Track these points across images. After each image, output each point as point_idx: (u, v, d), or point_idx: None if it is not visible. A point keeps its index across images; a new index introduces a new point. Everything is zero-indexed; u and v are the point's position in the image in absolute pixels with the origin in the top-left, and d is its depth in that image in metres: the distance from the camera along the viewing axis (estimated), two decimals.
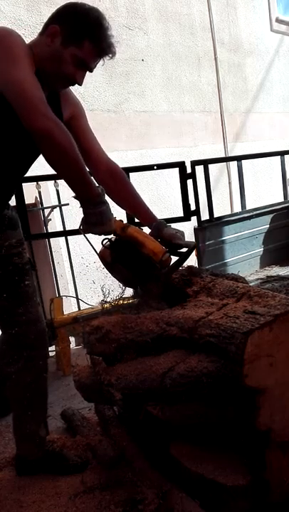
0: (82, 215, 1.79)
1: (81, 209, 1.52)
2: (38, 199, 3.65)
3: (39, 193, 3.57)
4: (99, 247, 1.66)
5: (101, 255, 1.65)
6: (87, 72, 1.57)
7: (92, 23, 1.46)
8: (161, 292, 1.66)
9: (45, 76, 1.49)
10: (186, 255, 1.70)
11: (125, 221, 1.79)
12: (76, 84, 1.55)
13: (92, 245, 1.63)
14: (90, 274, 3.68)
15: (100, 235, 1.58)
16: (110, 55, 1.53)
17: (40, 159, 1.71)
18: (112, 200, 1.78)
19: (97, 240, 1.64)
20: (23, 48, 1.40)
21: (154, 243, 1.62)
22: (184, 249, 1.70)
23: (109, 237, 1.61)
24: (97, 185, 1.51)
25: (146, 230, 1.76)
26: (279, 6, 6.86)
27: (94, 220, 1.49)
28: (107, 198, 1.57)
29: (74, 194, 1.50)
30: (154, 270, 1.60)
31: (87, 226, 1.52)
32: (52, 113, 1.35)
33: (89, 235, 1.58)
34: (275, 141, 6.59)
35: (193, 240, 3.12)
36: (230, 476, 1.32)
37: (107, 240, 1.62)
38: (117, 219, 1.60)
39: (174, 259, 1.70)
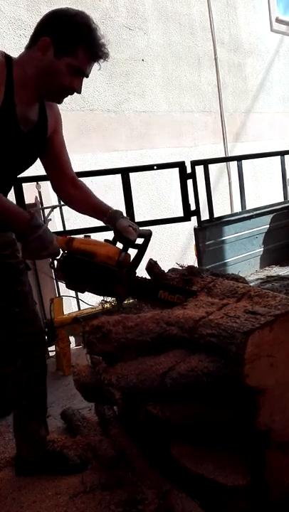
0: (82, 215, 1.81)
1: None
2: (38, 199, 3.66)
3: (39, 193, 3.57)
4: None
5: (58, 279, 1.59)
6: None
7: (83, 30, 1.42)
8: (128, 293, 1.60)
9: (40, 90, 1.48)
10: (144, 246, 1.62)
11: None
12: (76, 93, 1.54)
13: (49, 275, 1.58)
14: None
15: (46, 258, 1.53)
16: (104, 57, 1.50)
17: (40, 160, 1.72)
18: (72, 209, 1.77)
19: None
20: None
21: (105, 247, 1.55)
22: (141, 241, 1.62)
23: (59, 256, 1.53)
24: (27, 211, 1.47)
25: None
26: (279, 6, 6.87)
27: (34, 247, 1.44)
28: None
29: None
30: (115, 273, 1.54)
31: (30, 254, 1.48)
32: None
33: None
34: (275, 141, 6.59)
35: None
36: (230, 476, 1.32)
37: (55, 261, 1.54)
38: (59, 236, 1.53)
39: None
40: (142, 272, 1.73)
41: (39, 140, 1.61)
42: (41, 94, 1.52)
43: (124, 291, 1.58)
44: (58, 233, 1.65)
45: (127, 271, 1.56)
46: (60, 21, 1.42)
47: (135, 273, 1.61)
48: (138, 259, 1.59)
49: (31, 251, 1.47)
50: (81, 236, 1.59)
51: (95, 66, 1.52)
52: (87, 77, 1.52)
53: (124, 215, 1.68)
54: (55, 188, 1.80)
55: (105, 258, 1.53)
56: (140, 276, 1.65)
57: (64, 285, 1.61)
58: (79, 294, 3.62)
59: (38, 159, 1.70)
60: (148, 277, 1.72)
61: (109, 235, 1.66)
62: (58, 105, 1.65)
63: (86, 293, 1.66)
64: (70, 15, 1.43)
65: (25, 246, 1.46)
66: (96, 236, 1.66)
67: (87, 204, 1.76)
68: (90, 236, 1.59)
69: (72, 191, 1.75)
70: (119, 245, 1.61)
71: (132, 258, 1.58)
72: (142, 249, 1.61)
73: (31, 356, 1.70)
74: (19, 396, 1.73)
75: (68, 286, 1.63)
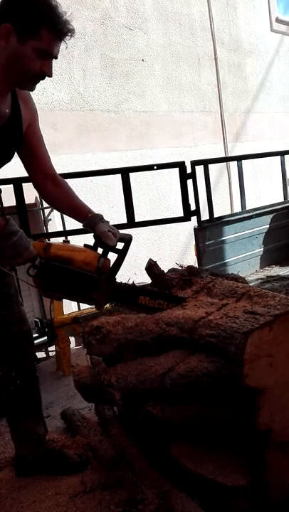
0: None
1: None
2: (38, 199, 3.66)
3: None
4: None
5: (35, 286, 1.54)
6: (83, 72, 1.53)
7: (43, 9, 1.35)
8: (111, 298, 1.56)
9: (9, 80, 1.42)
10: (124, 251, 1.57)
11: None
12: (47, 76, 1.46)
13: (18, 278, 1.52)
14: None
15: (22, 265, 1.49)
16: (70, 34, 1.41)
17: None
18: (49, 205, 1.71)
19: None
20: None
21: (84, 253, 1.51)
22: (121, 246, 1.58)
23: (36, 262, 1.48)
24: (2, 216, 1.43)
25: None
26: (279, 6, 6.87)
27: (9, 254, 1.40)
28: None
29: None
30: (94, 280, 1.50)
31: (5, 261, 1.44)
32: None
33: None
34: (275, 141, 6.59)
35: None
36: (230, 476, 1.32)
37: (32, 268, 1.49)
38: (36, 241, 1.49)
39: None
40: (141, 272, 1.73)
41: (13, 135, 1.55)
42: (11, 84, 1.46)
43: (103, 298, 1.55)
44: (36, 236, 1.62)
45: (106, 277, 1.53)
46: (18, 4, 1.35)
47: (115, 279, 1.57)
48: (118, 265, 1.56)
49: (6, 257, 1.43)
50: (60, 240, 1.55)
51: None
52: (56, 58, 1.44)
53: (105, 218, 1.63)
54: (34, 185, 1.74)
55: (83, 264, 1.50)
56: (121, 281, 1.62)
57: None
58: None
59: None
60: (129, 283, 1.68)
61: None
62: (59, 105, 1.64)
63: None
64: None
65: (1, 253, 1.42)
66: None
67: (68, 205, 1.71)
68: (68, 241, 1.56)
69: (52, 189, 1.69)
70: (100, 250, 1.57)
71: (112, 263, 1.55)
72: (122, 254, 1.57)
73: (20, 357, 1.70)
74: (11, 397, 1.73)
75: (44, 294, 1.59)
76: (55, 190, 1.69)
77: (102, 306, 1.58)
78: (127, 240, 1.59)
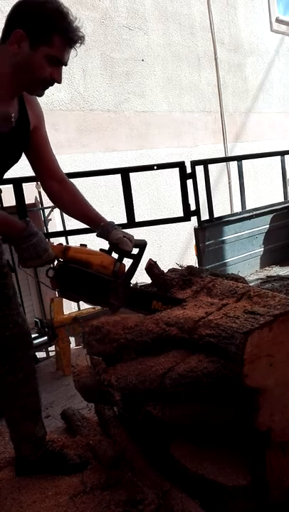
0: None
1: None
2: (38, 199, 3.66)
3: (39, 193, 3.57)
4: None
5: (51, 287, 1.57)
6: (83, 72, 1.54)
7: (55, 16, 1.37)
8: (125, 302, 1.59)
9: (19, 85, 1.45)
10: (139, 256, 1.62)
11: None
12: (56, 83, 1.48)
13: (39, 281, 1.55)
14: None
15: (41, 266, 1.53)
16: (80, 41, 1.43)
17: None
18: (59, 209, 1.74)
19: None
20: None
21: (101, 257, 1.55)
22: (136, 250, 1.62)
23: (54, 264, 1.52)
24: (21, 220, 1.46)
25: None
26: (279, 6, 6.87)
27: (28, 255, 1.44)
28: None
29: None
30: (110, 284, 1.53)
31: (25, 262, 1.47)
32: None
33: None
34: (275, 141, 6.60)
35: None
36: (230, 476, 1.32)
37: (50, 269, 1.53)
38: (56, 244, 1.53)
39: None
40: (141, 272, 1.73)
41: (21, 137, 1.57)
42: (21, 89, 1.48)
43: (118, 301, 1.58)
44: (53, 234, 1.63)
45: (122, 281, 1.56)
46: (31, 11, 1.37)
47: (130, 283, 1.60)
48: (133, 269, 1.60)
49: (26, 259, 1.46)
50: (77, 244, 1.58)
51: (72, 53, 1.47)
52: (65, 65, 1.46)
53: (105, 218, 1.67)
54: (43, 189, 1.76)
55: (100, 267, 1.53)
56: (134, 285, 1.66)
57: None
58: None
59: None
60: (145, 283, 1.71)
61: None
62: (59, 105, 1.64)
63: None
64: (40, 3, 1.38)
65: (21, 254, 1.46)
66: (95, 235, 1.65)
67: (77, 209, 1.73)
68: (86, 245, 1.58)
69: (60, 192, 1.71)
70: (114, 255, 1.61)
71: (126, 268, 1.59)
72: (137, 259, 1.61)
73: (18, 358, 1.70)
74: (10, 398, 1.73)
75: (63, 295, 1.62)
76: (62, 191, 1.72)
77: (117, 309, 1.59)
78: (142, 246, 1.63)
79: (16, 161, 1.63)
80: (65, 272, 1.52)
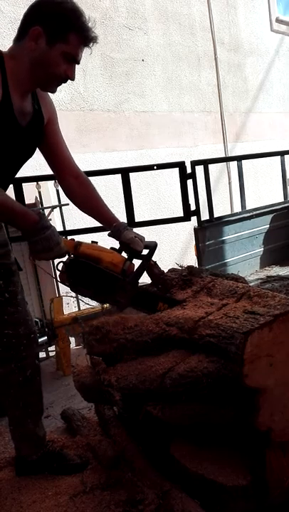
0: (82, 215, 1.80)
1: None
2: (38, 199, 3.65)
3: (39, 193, 3.57)
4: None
5: (61, 281, 1.60)
6: (83, 72, 1.57)
7: (72, 15, 1.43)
8: (131, 301, 1.61)
9: (35, 80, 1.48)
10: (149, 257, 1.65)
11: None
12: (69, 80, 1.54)
13: (50, 274, 1.57)
14: None
15: (52, 259, 1.55)
16: (94, 41, 1.50)
17: (40, 160, 1.73)
18: (74, 204, 1.77)
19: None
20: None
21: (111, 254, 1.57)
22: (146, 251, 1.65)
23: (64, 259, 1.55)
24: (34, 211, 1.49)
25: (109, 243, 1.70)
26: (279, 6, 6.87)
27: (41, 248, 1.46)
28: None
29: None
30: (118, 281, 1.54)
31: (36, 254, 1.49)
32: None
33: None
34: (275, 141, 6.59)
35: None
36: (230, 476, 1.32)
37: (61, 263, 1.56)
38: (68, 238, 1.55)
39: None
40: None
41: (36, 131, 1.61)
42: (35, 85, 1.52)
43: (125, 300, 1.59)
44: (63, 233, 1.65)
45: (130, 280, 1.57)
46: (49, 9, 1.43)
47: (138, 283, 1.62)
48: (142, 269, 1.62)
49: (38, 251, 1.48)
50: (88, 241, 1.60)
51: (87, 51, 1.52)
52: (78, 63, 1.52)
53: (126, 221, 1.73)
54: (60, 185, 1.79)
55: (110, 265, 1.54)
56: (141, 284, 1.66)
57: (64, 286, 1.61)
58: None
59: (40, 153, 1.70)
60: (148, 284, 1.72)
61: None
62: (59, 105, 1.65)
63: None
64: (57, 2, 1.44)
65: (33, 246, 1.47)
66: (95, 235, 1.66)
67: (91, 207, 1.77)
68: (97, 242, 1.61)
69: (75, 187, 1.74)
70: (125, 254, 1.63)
71: (135, 268, 1.60)
72: (146, 259, 1.64)
73: (24, 357, 1.70)
74: (14, 397, 1.73)
75: (72, 289, 1.64)
76: (78, 188, 1.75)
77: (124, 308, 1.60)
78: (152, 247, 1.66)
79: (30, 156, 1.66)
80: (76, 267, 1.54)
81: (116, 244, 1.67)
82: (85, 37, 1.46)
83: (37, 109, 1.59)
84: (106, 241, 1.73)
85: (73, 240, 1.58)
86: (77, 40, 1.45)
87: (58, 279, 1.60)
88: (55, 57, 1.44)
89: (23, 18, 1.46)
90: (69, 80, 1.54)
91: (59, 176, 1.76)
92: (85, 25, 1.45)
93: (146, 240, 1.68)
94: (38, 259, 1.53)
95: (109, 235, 1.70)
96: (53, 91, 1.57)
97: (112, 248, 1.63)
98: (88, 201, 1.76)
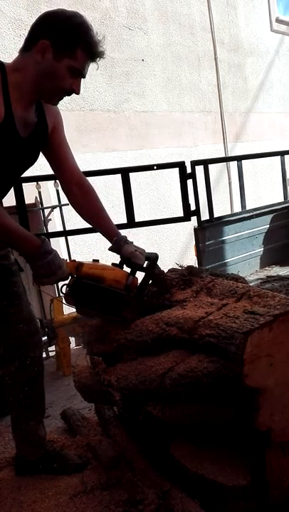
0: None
1: None
2: (38, 199, 3.66)
3: (39, 193, 3.57)
4: None
5: (66, 303, 1.61)
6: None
7: (80, 31, 1.43)
8: (139, 314, 1.61)
9: (39, 92, 1.48)
10: (151, 269, 1.66)
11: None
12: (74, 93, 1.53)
13: (54, 297, 1.55)
14: None
15: (55, 283, 1.56)
16: (101, 56, 1.50)
17: (40, 160, 1.72)
18: (77, 213, 1.77)
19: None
20: None
21: (113, 271, 1.58)
22: (147, 264, 1.65)
23: (66, 282, 1.56)
24: (37, 237, 1.49)
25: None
26: (279, 6, 6.87)
27: (43, 272, 1.47)
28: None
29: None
30: (123, 297, 1.55)
31: (40, 279, 1.50)
32: None
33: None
34: (275, 141, 6.59)
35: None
36: (230, 476, 1.32)
37: (65, 286, 1.57)
38: (68, 260, 1.56)
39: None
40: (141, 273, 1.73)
41: (38, 141, 1.61)
42: (39, 97, 1.52)
43: (132, 314, 1.59)
44: (53, 234, 1.64)
45: (135, 294, 1.59)
46: (57, 23, 1.43)
47: (143, 296, 1.63)
48: (145, 282, 1.63)
49: (41, 276, 1.49)
50: (90, 260, 1.60)
51: (94, 66, 1.52)
52: (84, 77, 1.52)
53: (126, 236, 1.71)
54: (62, 187, 1.79)
55: (113, 282, 1.55)
56: (147, 297, 1.68)
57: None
58: None
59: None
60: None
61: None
62: (59, 105, 1.65)
63: None
64: (67, 16, 1.44)
65: (36, 271, 1.48)
66: (95, 235, 1.66)
67: (90, 216, 1.76)
68: (98, 260, 1.62)
69: (76, 192, 1.73)
70: (127, 268, 1.64)
71: (139, 281, 1.61)
72: (148, 272, 1.65)
73: (28, 356, 1.70)
74: (17, 397, 1.73)
75: (78, 311, 1.65)
76: (82, 199, 1.74)
77: (131, 322, 1.60)
78: (153, 259, 1.67)
79: (32, 164, 1.66)
80: (79, 288, 1.54)
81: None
82: (92, 53, 1.46)
83: (41, 119, 1.58)
84: (106, 241, 1.74)
85: (74, 261, 1.59)
86: (84, 55, 1.45)
87: (64, 301, 1.61)
88: (62, 71, 1.44)
89: (31, 29, 1.45)
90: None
91: (62, 183, 1.76)
92: (93, 41, 1.45)
93: (146, 251, 1.68)
94: (42, 285, 1.53)
95: (109, 249, 1.71)
96: (55, 103, 1.57)
97: (113, 264, 1.63)
98: (91, 212, 1.76)
